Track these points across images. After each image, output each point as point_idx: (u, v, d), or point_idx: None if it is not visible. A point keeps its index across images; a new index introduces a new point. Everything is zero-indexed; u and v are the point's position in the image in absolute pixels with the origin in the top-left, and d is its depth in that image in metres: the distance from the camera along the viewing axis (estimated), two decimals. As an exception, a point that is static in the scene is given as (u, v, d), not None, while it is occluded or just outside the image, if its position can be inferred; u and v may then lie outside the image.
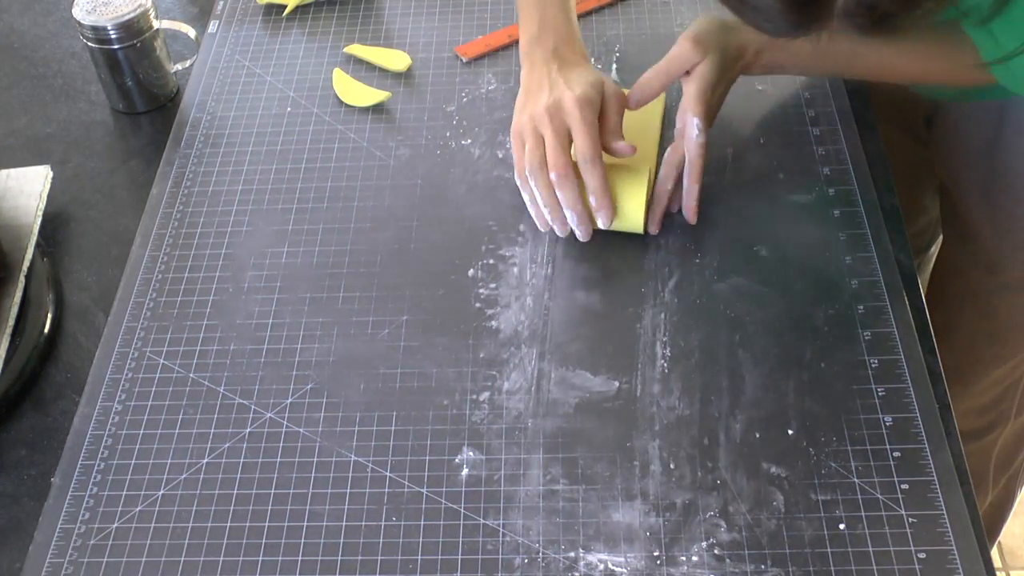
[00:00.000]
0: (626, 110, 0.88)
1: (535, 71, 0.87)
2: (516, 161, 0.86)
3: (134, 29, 0.98)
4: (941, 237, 1.15)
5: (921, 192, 1.13)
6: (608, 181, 0.83)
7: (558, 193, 0.83)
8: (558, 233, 0.86)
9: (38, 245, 0.89)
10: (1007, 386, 1.11)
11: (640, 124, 0.92)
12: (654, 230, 0.87)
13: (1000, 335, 1.07)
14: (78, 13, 0.98)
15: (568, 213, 0.84)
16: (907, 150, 1.07)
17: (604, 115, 0.85)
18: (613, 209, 0.84)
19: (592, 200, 0.83)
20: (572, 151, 0.84)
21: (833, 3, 0.60)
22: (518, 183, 0.87)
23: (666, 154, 0.88)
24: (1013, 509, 1.27)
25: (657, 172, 0.88)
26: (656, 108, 0.94)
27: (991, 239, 1.01)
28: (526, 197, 0.86)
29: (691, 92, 0.85)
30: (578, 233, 0.85)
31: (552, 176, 0.82)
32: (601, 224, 0.85)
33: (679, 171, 0.86)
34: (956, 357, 1.06)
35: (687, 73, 0.85)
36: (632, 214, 0.85)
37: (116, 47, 0.99)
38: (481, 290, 0.84)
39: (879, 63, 0.86)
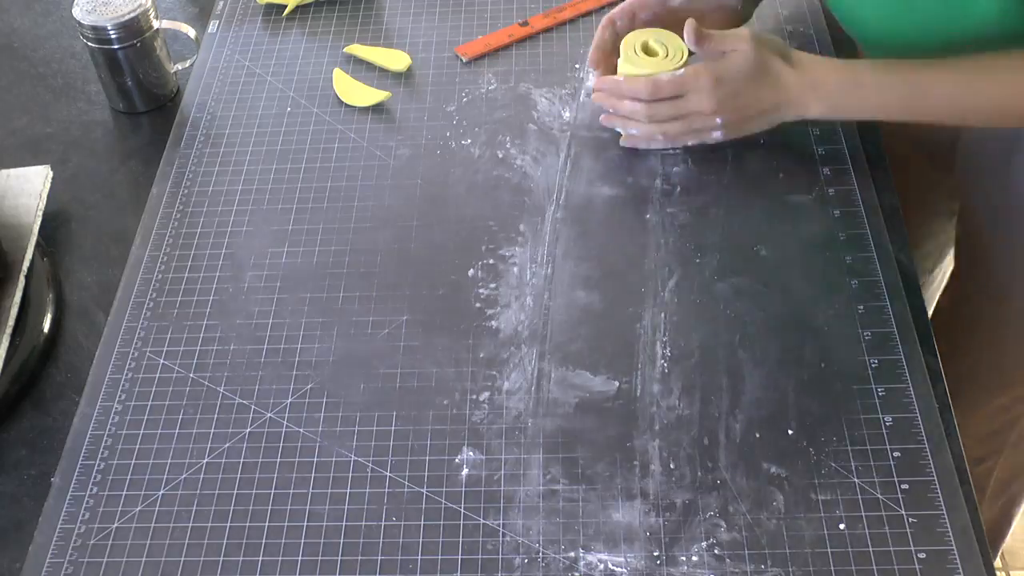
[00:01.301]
0: None
1: None
2: None
3: (134, 29, 0.98)
4: (945, 262, 1.15)
5: (932, 216, 1.13)
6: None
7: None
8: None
9: (38, 245, 0.89)
10: (1008, 419, 1.09)
11: None
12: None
13: (1005, 365, 1.06)
14: (78, 13, 0.98)
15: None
16: (924, 174, 1.06)
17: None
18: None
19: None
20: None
21: None
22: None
23: None
24: (1011, 529, 1.25)
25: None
26: None
27: (1003, 266, 1.00)
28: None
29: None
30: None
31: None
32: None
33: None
34: (959, 383, 1.05)
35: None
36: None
37: (116, 47, 0.99)
38: (481, 290, 0.84)
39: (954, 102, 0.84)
